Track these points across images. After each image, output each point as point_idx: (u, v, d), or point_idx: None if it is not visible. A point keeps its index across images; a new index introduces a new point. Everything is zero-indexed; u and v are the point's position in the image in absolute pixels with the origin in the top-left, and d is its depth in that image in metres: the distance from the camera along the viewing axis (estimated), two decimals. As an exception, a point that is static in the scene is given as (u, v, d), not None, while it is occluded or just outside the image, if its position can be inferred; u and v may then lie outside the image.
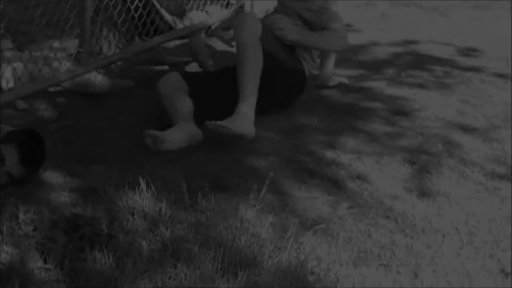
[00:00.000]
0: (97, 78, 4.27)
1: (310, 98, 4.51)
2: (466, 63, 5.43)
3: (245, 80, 3.78)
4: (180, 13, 4.57)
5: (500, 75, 5.14)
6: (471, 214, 3.27)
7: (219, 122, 3.57)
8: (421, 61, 5.39)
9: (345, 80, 4.71)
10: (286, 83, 4.11)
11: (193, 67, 4.77)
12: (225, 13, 4.75)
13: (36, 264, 2.69)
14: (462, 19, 7.08)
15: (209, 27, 4.71)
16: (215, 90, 4.00)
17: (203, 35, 4.66)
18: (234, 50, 4.07)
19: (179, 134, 3.65)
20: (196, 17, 4.64)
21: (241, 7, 4.87)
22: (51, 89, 4.11)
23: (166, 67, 4.81)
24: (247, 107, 3.71)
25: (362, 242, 3.02)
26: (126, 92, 4.43)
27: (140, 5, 4.15)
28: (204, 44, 4.70)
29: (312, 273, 2.80)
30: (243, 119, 3.66)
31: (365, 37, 6.08)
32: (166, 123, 3.78)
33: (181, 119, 3.74)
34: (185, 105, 3.82)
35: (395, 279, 2.85)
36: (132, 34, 4.41)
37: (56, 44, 4.13)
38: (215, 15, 4.71)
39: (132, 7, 4.11)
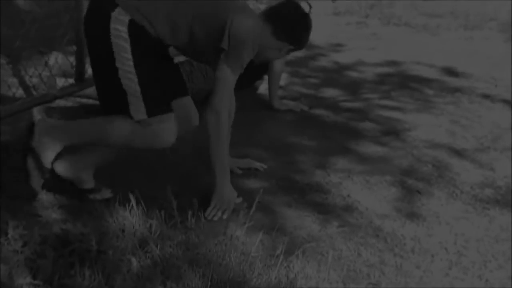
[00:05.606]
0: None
1: (300, 117, 4.54)
2: (455, 83, 5.48)
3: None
4: None
5: (488, 96, 5.19)
6: (460, 234, 3.28)
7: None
8: (411, 82, 5.43)
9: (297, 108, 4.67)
10: None
11: None
12: None
13: (25, 280, 2.68)
14: (451, 38, 7.14)
15: None
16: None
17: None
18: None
19: None
20: None
21: None
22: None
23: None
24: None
25: (352, 261, 3.03)
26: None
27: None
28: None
29: (302, 291, 2.80)
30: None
31: (356, 56, 6.12)
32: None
33: None
34: None
35: (384, 298, 2.86)
36: None
37: (51, 61, 4.12)
38: None
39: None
